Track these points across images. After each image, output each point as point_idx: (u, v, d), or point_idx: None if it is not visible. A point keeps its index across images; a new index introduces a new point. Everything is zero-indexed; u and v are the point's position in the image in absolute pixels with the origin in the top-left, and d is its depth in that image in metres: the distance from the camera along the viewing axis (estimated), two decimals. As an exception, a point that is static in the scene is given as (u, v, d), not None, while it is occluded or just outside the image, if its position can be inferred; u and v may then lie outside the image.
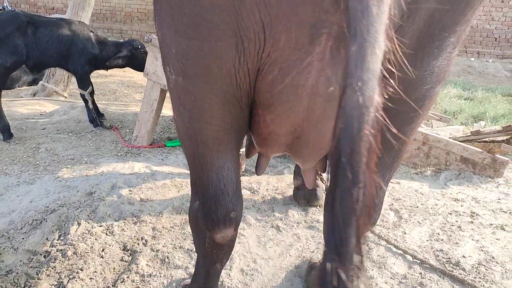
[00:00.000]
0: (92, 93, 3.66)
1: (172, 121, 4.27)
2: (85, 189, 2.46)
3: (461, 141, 3.72)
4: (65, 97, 5.99)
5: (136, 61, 3.64)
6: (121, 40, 3.90)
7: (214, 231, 1.10)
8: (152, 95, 3.24)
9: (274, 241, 2.00)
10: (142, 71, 3.66)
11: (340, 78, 0.84)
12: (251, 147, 1.31)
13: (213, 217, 1.08)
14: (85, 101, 3.64)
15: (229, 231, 1.11)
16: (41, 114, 4.28)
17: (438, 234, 2.13)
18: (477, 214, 2.35)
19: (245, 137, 1.22)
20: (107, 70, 3.84)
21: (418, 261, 1.88)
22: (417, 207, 2.43)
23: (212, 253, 1.18)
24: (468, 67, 9.95)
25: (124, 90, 7.21)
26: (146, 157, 3.14)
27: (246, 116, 1.00)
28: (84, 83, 3.54)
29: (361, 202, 0.75)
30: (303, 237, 2.05)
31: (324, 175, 2.37)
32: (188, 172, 2.93)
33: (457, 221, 2.27)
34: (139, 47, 3.61)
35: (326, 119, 0.96)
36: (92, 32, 3.59)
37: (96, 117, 3.70)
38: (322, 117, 0.95)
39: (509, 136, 3.71)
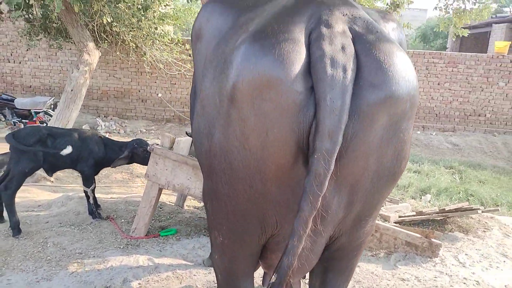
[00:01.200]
0: (93, 190, 4.16)
1: (160, 208, 4.79)
2: (102, 284, 2.91)
3: (408, 221, 4.50)
4: (52, 181, 6.38)
5: (139, 158, 4.18)
6: (126, 141, 4.42)
7: None
8: (151, 193, 3.81)
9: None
10: (146, 165, 4.20)
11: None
12: (257, 264, 1.94)
13: None
14: (87, 196, 4.14)
15: None
16: (39, 206, 4.68)
17: (390, 311, 2.76)
18: (418, 292, 3.01)
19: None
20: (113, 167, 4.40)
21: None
22: None
23: None
24: (415, 139, 11.22)
25: (104, 171, 7.63)
26: (145, 249, 3.63)
27: (259, 255, 1.65)
28: (89, 181, 4.07)
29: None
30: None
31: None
32: (185, 262, 3.46)
33: (403, 299, 2.92)
34: (139, 146, 4.16)
35: (308, 258, 1.62)
36: (101, 137, 4.18)
37: (95, 210, 4.18)
38: (305, 258, 1.61)
39: (444, 217, 4.53)
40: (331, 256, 1.66)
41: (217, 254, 1.62)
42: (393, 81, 1.29)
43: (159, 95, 11.72)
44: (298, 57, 1.26)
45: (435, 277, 3.25)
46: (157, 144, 3.85)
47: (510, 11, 20.51)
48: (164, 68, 9.98)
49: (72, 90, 6.21)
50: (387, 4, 6.23)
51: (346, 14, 1.40)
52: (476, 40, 19.35)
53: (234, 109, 1.32)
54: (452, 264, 3.53)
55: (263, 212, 1.42)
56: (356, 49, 1.31)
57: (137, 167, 7.83)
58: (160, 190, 3.85)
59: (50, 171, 3.94)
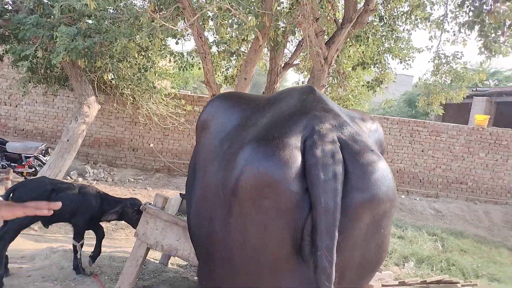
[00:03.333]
0: (82, 244, 4.19)
1: (145, 266, 4.78)
2: None
3: (390, 292, 4.56)
4: (36, 230, 6.32)
5: (127, 217, 4.23)
6: (123, 198, 4.50)
7: None
8: (138, 252, 3.84)
9: None
10: (133, 226, 4.25)
11: None
12: None
13: None
14: (75, 250, 4.15)
15: None
16: (22, 257, 4.64)
17: None
18: None
19: None
20: (107, 221, 4.46)
21: None
22: None
23: None
24: (400, 204, 11.43)
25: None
26: (128, 310, 3.61)
27: None
28: (79, 236, 4.12)
29: None
30: None
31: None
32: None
33: None
34: (131, 206, 4.23)
35: None
36: (99, 192, 4.28)
37: (80, 265, 4.17)
38: None
39: (425, 289, 4.61)
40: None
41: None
42: (375, 186, 1.53)
43: (151, 145, 11.90)
44: (295, 162, 1.50)
45: None
46: (150, 203, 3.95)
47: (490, 84, 21.78)
48: (158, 120, 10.25)
49: (68, 141, 6.36)
50: (372, 81, 6.78)
51: (335, 125, 1.66)
52: (459, 108, 20.28)
53: (236, 204, 1.52)
54: None
55: None
56: (344, 157, 1.55)
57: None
58: (147, 250, 3.89)
59: (47, 223, 4.03)
